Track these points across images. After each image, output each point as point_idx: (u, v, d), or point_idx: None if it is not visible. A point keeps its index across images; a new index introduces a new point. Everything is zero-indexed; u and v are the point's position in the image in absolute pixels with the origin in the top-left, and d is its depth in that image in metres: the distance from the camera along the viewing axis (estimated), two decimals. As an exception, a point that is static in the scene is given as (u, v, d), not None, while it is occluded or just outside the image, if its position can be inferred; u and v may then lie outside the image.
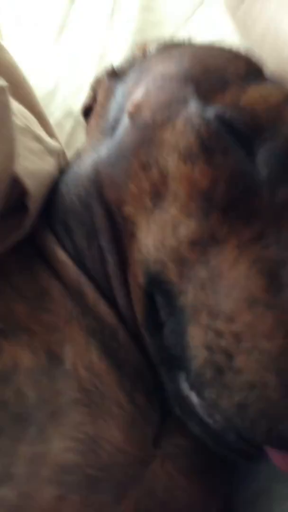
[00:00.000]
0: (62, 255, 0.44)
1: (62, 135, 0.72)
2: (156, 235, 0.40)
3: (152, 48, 0.52)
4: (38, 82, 0.79)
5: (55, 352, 0.39)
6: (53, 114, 0.76)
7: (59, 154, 0.52)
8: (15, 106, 0.53)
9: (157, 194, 0.40)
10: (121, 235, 0.43)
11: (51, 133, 0.64)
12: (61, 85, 0.78)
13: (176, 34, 0.74)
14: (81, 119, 0.72)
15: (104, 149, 0.45)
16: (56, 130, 0.71)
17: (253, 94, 0.40)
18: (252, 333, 0.33)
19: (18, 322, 0.40)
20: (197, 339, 0.35)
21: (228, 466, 0.43)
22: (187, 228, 0.38)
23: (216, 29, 0.70)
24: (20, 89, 0.62)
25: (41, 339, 0.40)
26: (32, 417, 0.36)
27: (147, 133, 0.42)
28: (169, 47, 0.51)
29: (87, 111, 0.56)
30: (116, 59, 0.73)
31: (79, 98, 0.76)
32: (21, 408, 0.36)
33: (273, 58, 0.51)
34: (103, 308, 0.42)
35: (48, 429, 0.36)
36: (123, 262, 0.43)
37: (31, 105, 0.62)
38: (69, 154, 0.59)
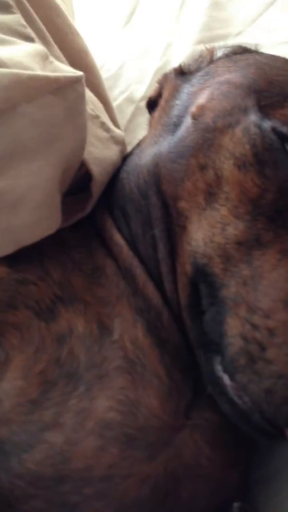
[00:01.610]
0: (119, 238, 0.49)
1: (122, 120, 0.76)
2: (206, 231, 0.44)
3: (219, 52, 0.55)
4: (104, 63, 0.83)
5: (106, 324, 0.44)
6: (116, 99, 0.80)
7: (124, 143, 0.56)
8: (87, 93, 0.57)
9: (211, 194, 0.44)
10: (173, 226, 0.47)
11: (114, 119, 0.68)
12: (125, 70, 0.82)
13: (242, 33, 0.76)
14: (142, 105, 0.75)
15: (165, 144, 0.49)
16: (117, 115, 0.76)
17: None
18: (285, 330, 0.37)
19: (75, 292, 0.45)
20: (235, 329, 0.39)
21: (248, 446, 0.47)
22: (235, 228, 0.42)
23: (282, 31, 0.73)
24: (89, 74, 0.66)
25: (94, 310, 0.44)
26: (82, 376, 0.41)
27: (208, 136, 0.45)
28: (236, 54, 0.54)
29: (152, 104, 0.60)
30: (181, 51, 0.77)
31: (142, 85, 0.79)
32: (72, 367, 0.41)
33: None
34: (151, 290, 0.47)
35: (95, 389, 0.41)
36: (173, 251, 0.47)
37: (98, 90, 0.66)
38: (127, 139, 0.63)
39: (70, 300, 0.44)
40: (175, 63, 0.69)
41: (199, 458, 0.42)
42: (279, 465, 0.51)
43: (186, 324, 0.46)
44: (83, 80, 0.48)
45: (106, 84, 0.81)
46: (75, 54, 0.65)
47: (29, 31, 0.54)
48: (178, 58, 0.74)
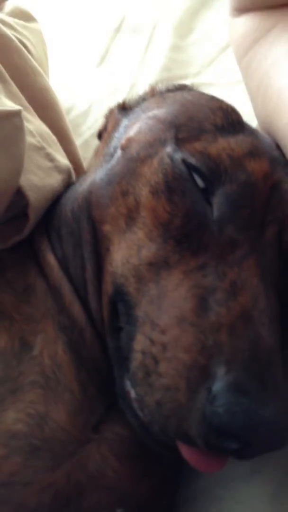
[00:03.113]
0: (51, 259, 0.52)
1: (87, 154, 0.80)
2: (124, 253, 0.47)
3: (159, 89, 0.59)
4: (76, 102, 0.88)
5: (28, 340, 0.47)
6: (84, 134, 0.85)
7: (68, 172, 0.60)
8: (36, 126, 0.61)
9: (131, 218, 0.47)
10: (100, 249, 0.50)
11: (72, 152, 0.72)
12: (94, 108, 0.87)
13: (200, 74, 0.81)
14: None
15: (100, 173, 0.53)
16: (83, 149, 0.80)
17: (222, 143, 0.46)
18: (175, 345, 0.39)
19: (3, 309, 0.48)
20: (138, 345, 0.42)
21: (164, 461, 0.49)
22: (148, 250, 0.45)
23: (236, 72, 0.77)
24: (49, 110, 0.71)
25: (19, 327, 0.47)
26: None
27: (131, 165, 0.49)
28: (169, 91, 0.58)
29: (100, 136, 0.64)
30: (143, 90, 0.81)
31: (107, 122, 0.84)
32: None
33: (262, 110, 0.57)
34: (77, 309, 0.50)
35: (7, 402, 0.43)
36: (100, 272, 0.50)
37: (57, 125, 0.71)
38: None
39: None
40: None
41: (105, 470, 0.44)
42: (206, 484, 0.52)
43: (107, 343, 0.48)
44: (21, 114, 0.52)
45: (76, 121, 0.87)
46: (36, 92, 0.70)
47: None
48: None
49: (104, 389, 0.47)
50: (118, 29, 0.94)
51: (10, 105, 0.53)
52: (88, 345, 0.48)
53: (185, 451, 0.39)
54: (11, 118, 0.50)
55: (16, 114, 0.51)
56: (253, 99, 0.60)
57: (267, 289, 0.42)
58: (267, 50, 0.58)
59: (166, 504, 0.49)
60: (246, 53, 0.61)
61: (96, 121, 0.85)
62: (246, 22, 0.62)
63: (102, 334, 0.49)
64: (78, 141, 0.81)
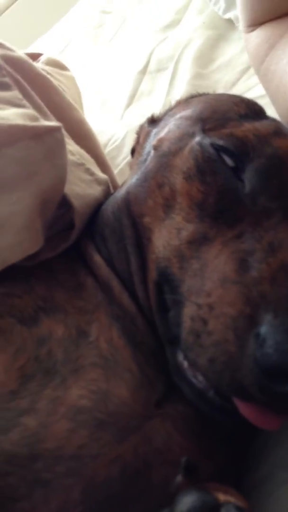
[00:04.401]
0: (97, 258, 0.55)
1: (123, 180, 0.85)
2: (165, 237, 0.49)
3: (183, 99, 0.64)
4: (113, 135, 0.95)
5: (84, 329, 0.49)
6: (119, 164, 0.90)
7: (107, 184, 0.65)
8: (75, 148, 0.66)
9: (168, 206, 0.50)
10: (142, 240, 0.53)
11: (109, 175, 0.77)
12: (128, 140, 0.92)
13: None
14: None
15: (135, 176, 0.57)
16: (120, 178, 0.85)
17: (247, 126, 0.50)
18: (221, 303, 0.41)
19: (57, 304, 0.51)
20: (186, 314, 0.44)
21: (229, 439, 0.49)
22: (187, 231, 0.48)
23: (258, 88, 0.82)
24: (85, 140, 0.77)
25: (74, 318, 0.50)
26: (58, 371, 0.45)
27: (164, 160, 0.53)
28: (194, 97, 0.62)
29: (133, 152, 0.69)
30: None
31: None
32: (50, 363, 0.46)
33: (284, 105, 0.61)
34: (126, 299, 0.52)
35: (69, 380, 0.45)
36: (143, 263, 0.52)
37: (94, 153, 0.76)
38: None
39: (52, 310, 0.50)
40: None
41: (170, 444, 0.45)
42: (270, 468, 0.52)
43: (157, 326, 0.50)
44: (62, 130, 0.57)
45: (111, 154, 0.93)
46: (73, 124, 0.76)
47: (25, 102, 0.65)
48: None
49: (162, 370, 0.48)
50: (143, 71, 1.01)
51: (51, 123, 0.58)
52: (141, 331, 0.50)
53: (243, 408, 0.40)
54: (53, 133, 0.56)
55: (57, 129, 0.56)
56: (274, 100, 0.64)
57: None
58: (282, 51, 0.62)
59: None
60: (263, 60, 0.66)
61: (129, 152, 0.91)
62: (260, 34, 0.67)
63: (152, 321, 0.51)
64: (115, 171, 0.86)
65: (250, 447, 0.53)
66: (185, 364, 0.44)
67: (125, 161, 0.89)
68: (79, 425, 0.43)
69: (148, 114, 0.95)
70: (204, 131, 0.51)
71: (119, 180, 0.82)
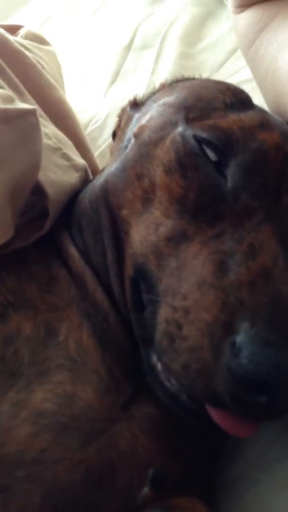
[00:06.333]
0: (72, 250, 0.53)
1: (105, 164, 0.82)
2: (143, 232, 0.47)
3: (168, 81, 0.61)
4: (92, 118, 0.91)
5: (53, 327, 0.47)
6: (101, 146, 0.87)
7: (84, 170, 0.62)
8: (52, 130, 0.63)
9: (147, 199, 0.48)
10: (119, 234, 0.50)
11: (89, 159, 0.74)
12: (109, 121, 0.89)
13: (210, 78, 0.83)
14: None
15: (115, 164, 0.54)
16: (101, 160, 0.82)
17: (232, 118, 0.47)
18: (197, 307, 0.39)
19: (28, 299, 0.49)
20: (161, 315, 0.42)
21: (197, 439, 0.48)
22: (165, 227, 0.45)
23: (245, 71, 0.79)
24: (65, 121, 0.73)
25: (44, 315, 0.48)
26: (23, 373, 0.44)
27: (145, 150, 0.50)
28: (179, 81, 0.59)
29: (114, 135, 0.66)
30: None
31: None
32: (16, 366, 0.44)
33: (271, 92, 0.58)
34: (99, 294, 0.50)
35: (34, 383, 0.43)
36: (120, 256, 0.50)
37: (73, 135, 0.73)
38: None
39: (22, 306, 0.48)
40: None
41: (135, 447, 0.43)
42: (243, 468, 0.51)
43: (132, 324, 0.48)
44: (37, 113, 0.54)
45: (92, 135, 0.89)
46: (52, 104, 0.72)
47: (-1, 81, 0.61)
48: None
49: (131, 371, 0.47)
50: (128, 48, 0.98)
51: (25, 105, 0.55)
52: (113, 329, 0.49)
53: (215, 415, 0.39)
54: (27, 117, 0.52)
55: (31, 113, 0.53)
56: (262, 86, 0.61)
57: (285, 252, 0.42)
58: (271, 36, 0.59)
59: (201, 488, 0.48)
60: (251, 43, 0.63)
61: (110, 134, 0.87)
62: (249, 16, 0.64)
63: (126, 318, 0.49)
64: (95, 153, 0.83)
65: (223, 446, 0.52)
66: (159, 366, 0.43)
67: (107, 143, 0.86)
68: (41, 429, 0.41)
69: (132, 93, 0.93)
70: (188, 120, 0.48)
71: (100, 164, 0.79)
